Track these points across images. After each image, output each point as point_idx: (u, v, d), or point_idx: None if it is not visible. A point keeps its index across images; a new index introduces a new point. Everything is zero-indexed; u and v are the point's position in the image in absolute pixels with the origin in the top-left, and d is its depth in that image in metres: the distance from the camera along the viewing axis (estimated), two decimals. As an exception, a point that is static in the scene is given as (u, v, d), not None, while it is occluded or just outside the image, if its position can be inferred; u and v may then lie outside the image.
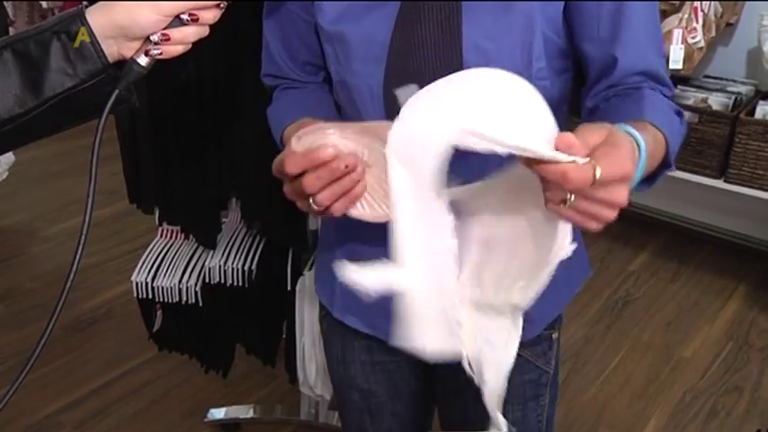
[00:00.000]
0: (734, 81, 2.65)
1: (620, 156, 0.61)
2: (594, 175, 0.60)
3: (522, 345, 0.98)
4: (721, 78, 2.67)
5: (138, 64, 0.73)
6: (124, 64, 0.74)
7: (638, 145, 0.68)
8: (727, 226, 2.95)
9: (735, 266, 2.85)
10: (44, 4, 3.74)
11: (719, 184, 2.53)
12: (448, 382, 1.05)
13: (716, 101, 2.54)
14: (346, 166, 0.73)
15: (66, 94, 0.71)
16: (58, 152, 3.56)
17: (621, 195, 0.63)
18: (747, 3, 2.55)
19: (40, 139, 0.77)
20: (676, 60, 2.48)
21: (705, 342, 2.44)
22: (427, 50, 0.83)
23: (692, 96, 2.58)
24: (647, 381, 2.27)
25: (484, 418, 1.02)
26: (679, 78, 2.69)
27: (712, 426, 2.09)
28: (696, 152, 2.54)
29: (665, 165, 0.79)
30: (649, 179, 0.81)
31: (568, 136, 0.60)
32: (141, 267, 1.76)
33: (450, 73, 0.81)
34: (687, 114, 2.52)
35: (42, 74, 0.70)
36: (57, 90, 0.71)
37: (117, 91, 0.73)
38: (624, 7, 0.82)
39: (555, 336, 1.03)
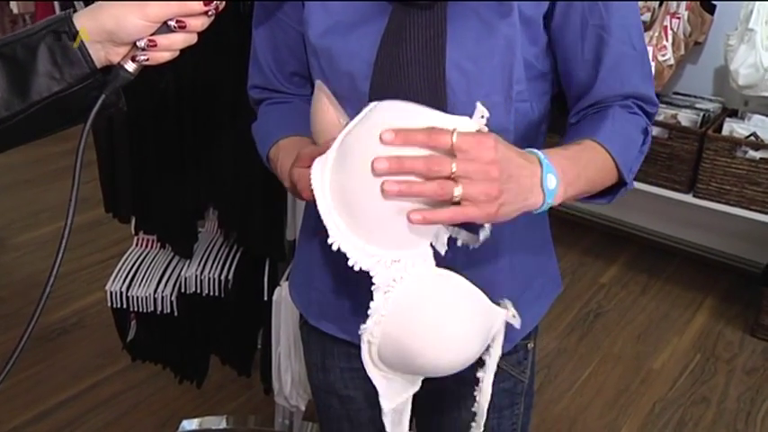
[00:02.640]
0: (702, 98, 2.72)
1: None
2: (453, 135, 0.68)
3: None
4: (690, 95, 2.74)
5: (125, 70, 0.74)
6: (111, 69, 0.74)
7: (540, 162, 0.74)
8: (696, 240, 3.02)
9: (702, 280, 2.91)
10: (14, 9, 3.70)
11: (688, 198, 2.59)
12: (427, 392, 1.06)
13: (685, 117, 2.60)
14: None
15: (52, 98, 0.71)
16: (29, 160, 3.51)
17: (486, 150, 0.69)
18: (714, 23, 2.62)
19: (25, 143, 0.77)
20: (647, 77, 2.53)
21: (674, 354, 2.49)
22: (411, 68, 0.85)
23: (663, 112, 2.63)
24: (617, 392, 2.30)
25: (460, 423, 1.04)
26: (649, 95, 2.75)
27: (681, 436, 2.13)
28: (666, 167, 2.60)
29: (621, 182, 0.85)
30: (607, 194, 0.87)
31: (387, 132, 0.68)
32: (116, 276, 1.74)
33: (433, 91, 0.84)
34: (657, 130, 2.58)
35: (29, 77, 0.70)
36: (43, 94, 0.71)
37: (103, 96, 0.74)
38: (606, 31, 0.86)
39: (530, 346, 1.05)
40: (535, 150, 0.75)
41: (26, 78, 0.70)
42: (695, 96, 2.73)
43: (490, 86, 0.86)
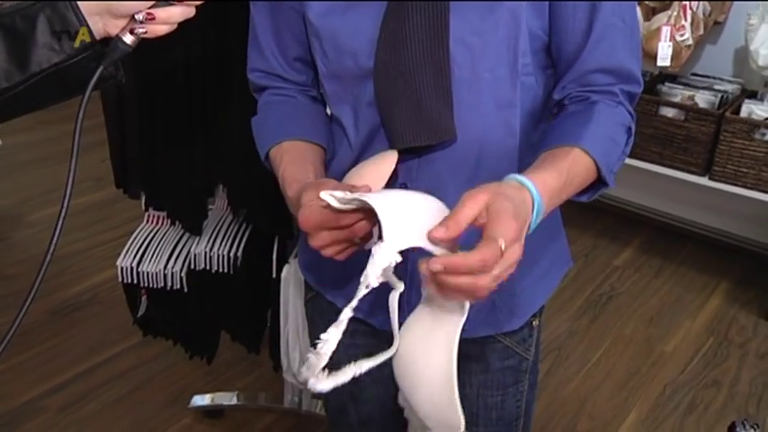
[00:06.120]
0: (721, 79, 2.67)
1: (507, 220, 0.68)
2: (501, 251, 0.67)
3: (504, 332, 1.00)
4: (708, 77, 2.69)
5: (124, 42, 0.74)
6: (109, 41, 0.74)
7: (531, 193, 0.74)
8: (711, 223, 2.99)
9: (717, 263, 2.88)
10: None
11: (704, 181, 2.56)
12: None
13: (702, 98, 2.56)
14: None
15: (52, 69, 0.71)
16: (45, 137, 3.53)
17: (516, 253, 0.69)
18: (735, 2, 2.57)
19: (24, 114, 0.77)
20: (664, 57, 2.49)
21: (686, 337, 2.47)
22: (414, 45, 0.84)
23: (679, 94, 2.60)
24: (628, 374, 2.29)
25: (464, 399, 1.03)
26: (666, 76, 2.72)
27: (690, 419, 2.12)
28: (682, 149, 2.56)
29: (601, 183, 0.86)
30: (586, 192, 0.87)
31: (437, 231, 0.68)
32: (127, 252, 1.76)
33: (437, 67, 0.83)
34: (674, 111, 2.55)
35: (29, 49, 0.70)
36: (43, 65, 0.71)
37: (101, 67, 0.74)
38: (600, 3, 0.85)
39: (535, 323, 1.04)
40: (530, 186, 0.74)
41: (26, 49, 0.70)
42: (714, 77, 2.69)
43: (495, 60, 0.85)
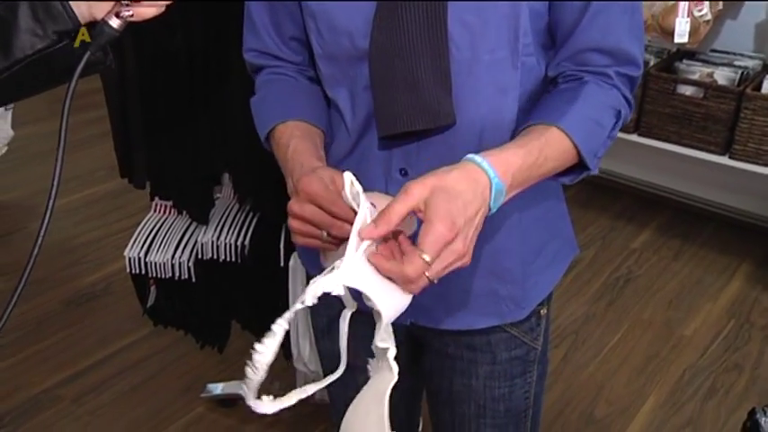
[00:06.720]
0: (741, 55, 2.60)
1: (437, 225, 0.70)
2: (428, 265, 0.70)
3: (510, 322, 0.97)
4: (728, 52, 2.62)
5: (110, 26, 0.72)
6: (95, 25, 0.72)
7: (488, 175, 0.73)
8: (732, 203, 2.92)
9: (738, 244, 2.82)
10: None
11: (724, 160, 2.50)
12: (434, 357, 1.04)
13: (722, 75, 2.49)
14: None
15: (36, 55, 0.70)
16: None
17: (456, 252, 0.71)
18: (756, -25, 2.49)
19: (10, 102, 0.76)
20: (682, 34, 2.43)
21: (706, 320, 2.42)
22: (411, 25, 0.81)
23: (698, 71, 2.53)
24: (646, 358, 2.25)
25: (470, 391, 1.01)
26: (684, 53, 2.64)
27: (711, 404, 2.08)
28: (701, 128, 2.50)
29: (582, 167, 0.82)
30: (569, 174, 0.84)
31: (368, 230, 0.70)
32: (134, 242, 1.75)
33: (435, 48, 0.80)
34: (692, 89, 2.48)
35: (11, 34, 0.69)
36: (26, 51, 0.69)
37: (87, 53, 0.72)
38: None
39: (543, 312, 1.01)
40: (487, 168, 0.74)
41: (8, 35, 0.69)
42: (734, 53, 2.61)
43: (495, 41, 0.81)
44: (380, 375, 0.76)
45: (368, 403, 0.76)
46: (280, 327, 0.73)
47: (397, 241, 0.74)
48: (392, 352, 0.75)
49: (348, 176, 0.75)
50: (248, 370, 0.72)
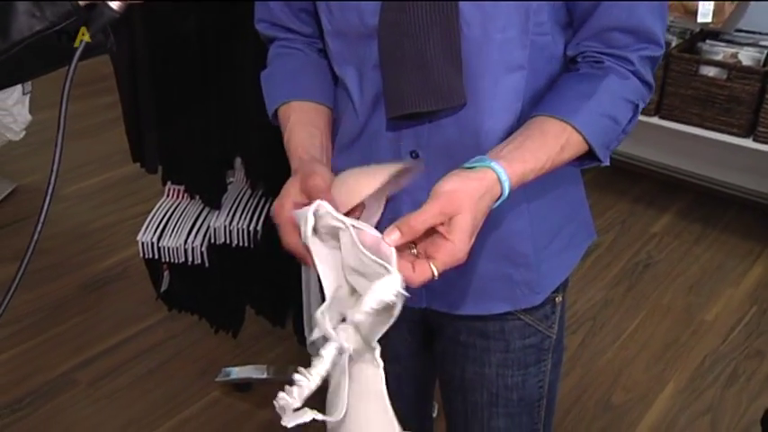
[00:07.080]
0: (767, 35, 2.53)
1: (457, 245, 0.71)
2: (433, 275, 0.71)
3: (524, 309, 0.95)
4: (753, 32, 2.55)
5: (110, 7, 0.70)
6: (95, 7, 0.71)
7: (503, 189, 0.74)
8: (755, 187, 2.85)
9: (761, 229, 2.76)
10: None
11: (748, 143, 2.45)
12: (445, 347, 1.02)
13: (746, 56, 2.43)
14: None
15: (34, 37, 0.68)
16: (75, 113, 3.53)
17: (461, 260, 0.72)
18: (783, -49, 2.42)
19: (11, 85, 0.74)
20: (705, 14, 2.37)
21: (728, 306, 2.38)
22: (421, 2, 0.78)
23: (721, 51, 2.47)
24: (665, 344, 2.22)
25: (483, 379, 0.99)
26: (708, 33, 2.58)
27: (731, 391, 2.04)
28: (724, 110, 2.44)
29: (592, 158, 0.82)
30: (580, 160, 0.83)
31: (393, 236, 0.70)
32: (147, 227, 1.74)
33: (445, 26, 0.77)
34: (715, 70, 2.42)
35: (9, 16, 0.67)
36: (25, 33, 0.68)
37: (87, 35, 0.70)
38: None
39: (558, 299, 0.98)
40: (504, 183, 0.74)
41: (6, 17, 0.67)
42: (760, 33, 2.54)
43: (506, 19, 0.79)
44: (365, 375, 0.74)
45: (366, 405, 0.74)
46: (329, 353, 0.72)
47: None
48: (378, 351, 0.74)
49: (322, 206, 0.73)
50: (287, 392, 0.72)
